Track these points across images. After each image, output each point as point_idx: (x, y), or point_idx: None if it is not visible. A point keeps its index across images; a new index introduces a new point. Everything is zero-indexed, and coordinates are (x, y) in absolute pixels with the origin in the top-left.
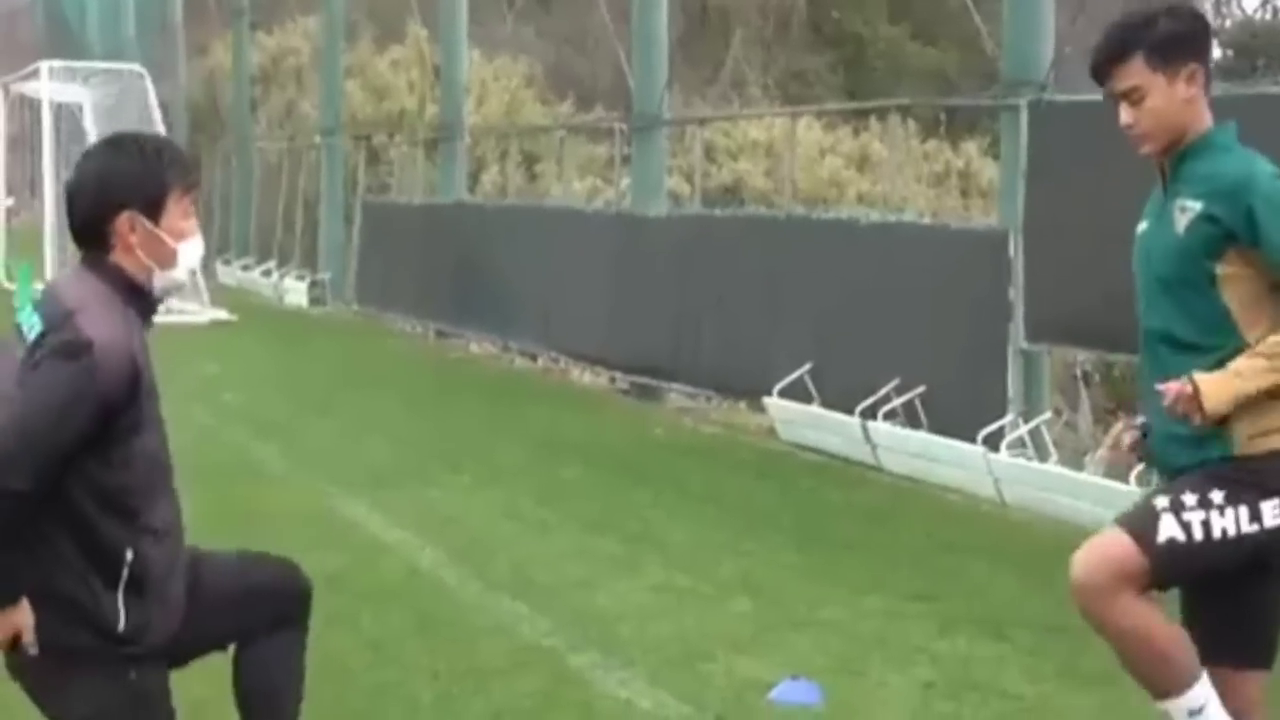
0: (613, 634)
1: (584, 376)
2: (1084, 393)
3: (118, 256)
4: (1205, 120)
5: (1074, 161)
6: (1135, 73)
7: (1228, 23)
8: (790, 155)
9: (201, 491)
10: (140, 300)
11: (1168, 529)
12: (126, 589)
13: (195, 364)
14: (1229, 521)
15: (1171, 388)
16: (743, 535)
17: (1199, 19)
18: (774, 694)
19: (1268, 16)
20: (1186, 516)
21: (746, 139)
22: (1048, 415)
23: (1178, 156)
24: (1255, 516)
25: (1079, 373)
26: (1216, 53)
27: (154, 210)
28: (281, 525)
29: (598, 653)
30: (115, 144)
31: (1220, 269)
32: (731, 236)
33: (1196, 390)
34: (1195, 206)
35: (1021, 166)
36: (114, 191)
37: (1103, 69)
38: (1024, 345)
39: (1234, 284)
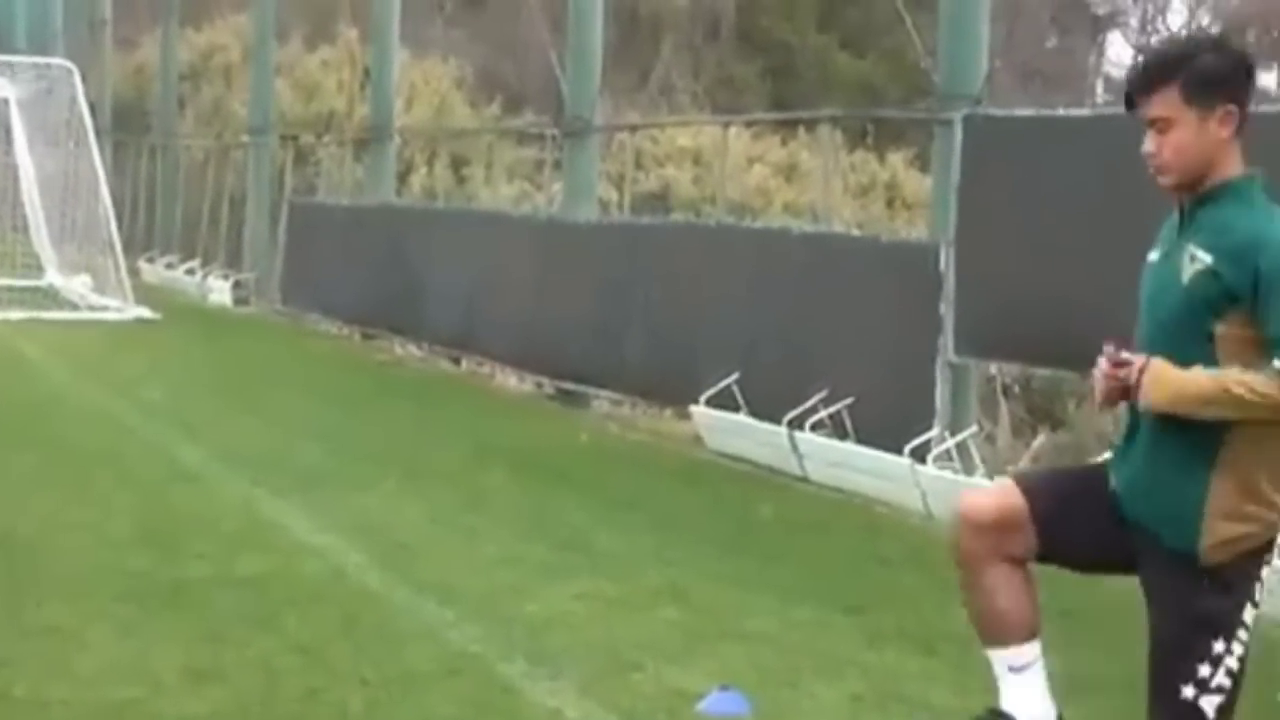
0: (541, 642)
1: (509, 381)
2: (1003, 405)
3: None
4: (1233, 166)
5: (1006, 176)
6: (1168, 103)
7: (1153, 40)
8: (721, 164)
9: (125, 490)
10: None
11: (1210, 705)
12: None
13: (119, 362)
14: (1235, 656)
15: (1132, 364)
16: (670, 544)
17: (1243, 60)
18: (703, 705)
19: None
20: (1215, 683)
21: (674, 146)
22: (974, 429)
23: (1197, 199)
24: (1245, 627)
25: (999, 385)
26: None
27: None
28: (205, 525)
29: (526, 661)
30: None
31: (1219, 327)
32: (661, 244)
33: (1141, 377)
34: (1204, 259)
35: (954, 180)
36: None
37: (1136, 93)
38: (952, 358)
39: (1230, 345)
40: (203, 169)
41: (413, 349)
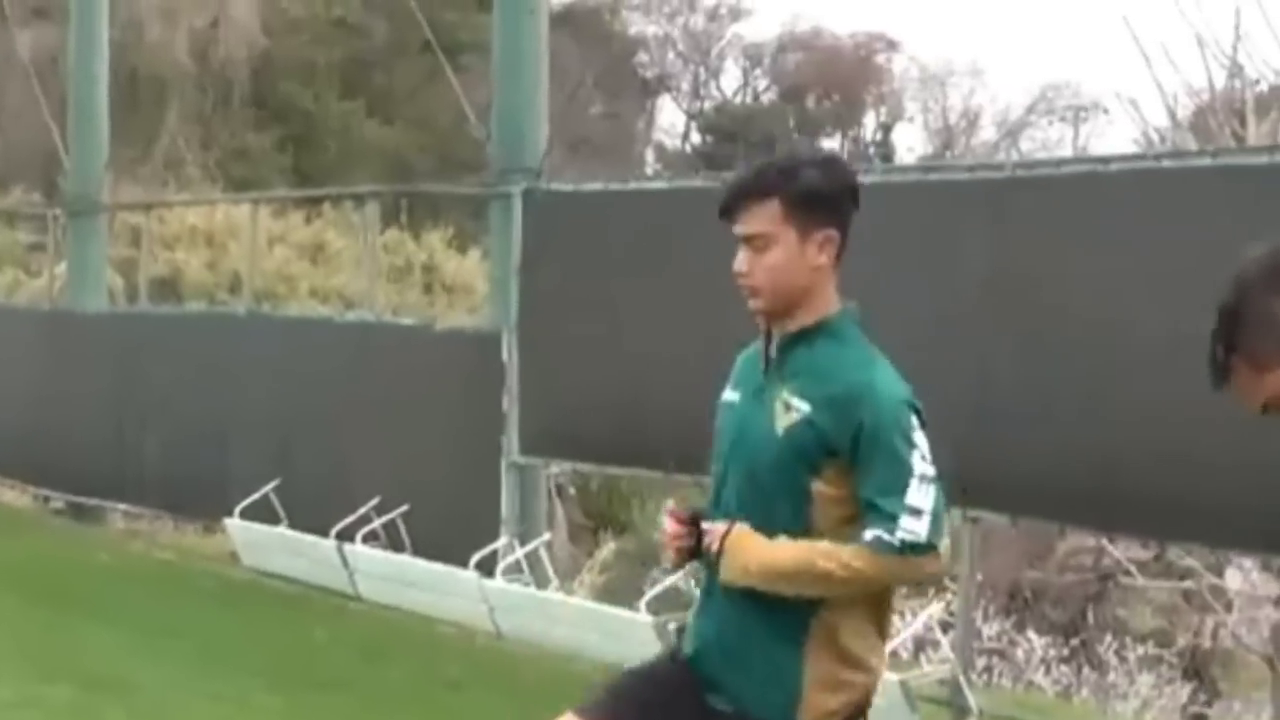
0: None
1: (7, 495)
2: (559, 509)
3: None
4: (829, 300)
5: (571, 256)
6: (767, 218)
7: (707, 104)
8: (252, 245)
9: None
10: None
11: None
12: None
13: None
14: None
15: (710, 532)
16: (215, 676)
17: (851, 183)
18: None
19: (748, 99)
20: None
21: (184, 226)
22: (547, 537)
23: (790, 338)
24: None
25: (552, 486)
26: (696, 138)
27: None
28: None
29: None
30: None
31: (816, 484)
32: (182, 336)
33: (722, 547)
34: (801, 408)
35: (515, 261)
36: None
37: (733, 207)
38: (518, 459)
39: (827, 504)
40: None
41: None
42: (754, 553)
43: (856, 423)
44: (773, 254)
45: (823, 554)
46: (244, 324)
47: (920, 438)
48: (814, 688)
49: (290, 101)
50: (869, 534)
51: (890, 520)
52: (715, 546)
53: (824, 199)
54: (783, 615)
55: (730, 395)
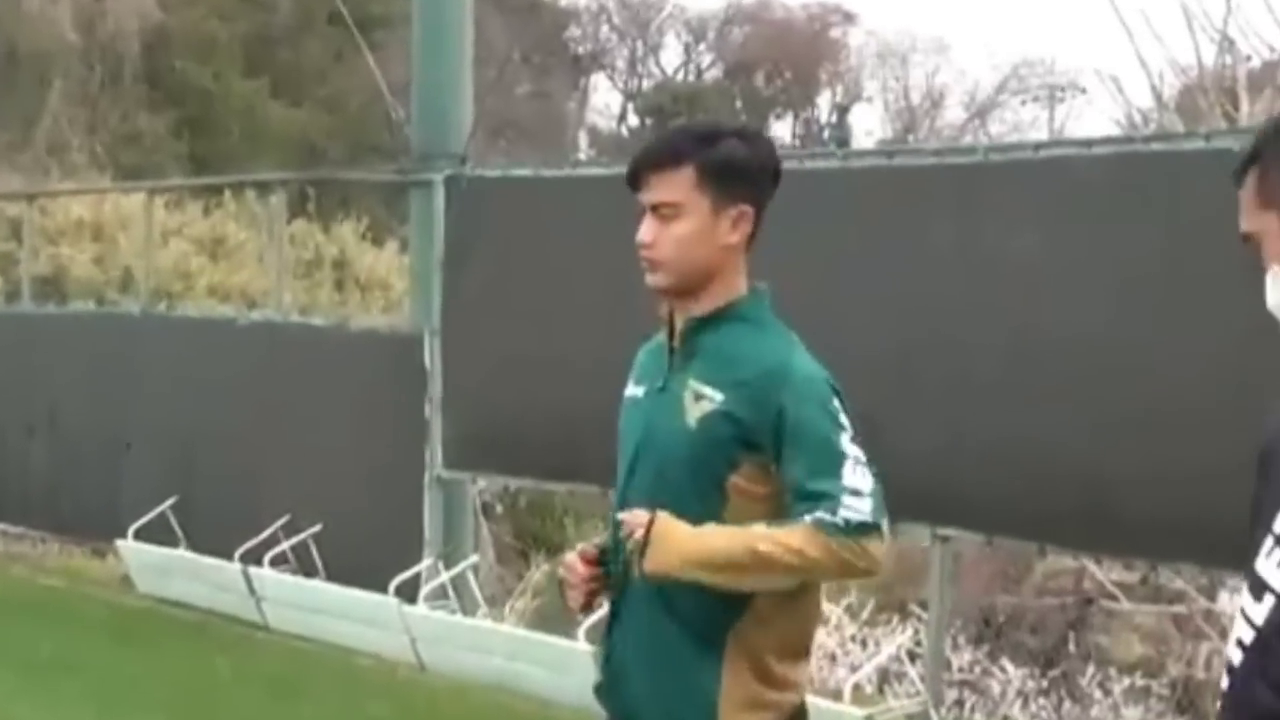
0: None
1: None
2: (485, 528)
3: None
4: (738, 284)
5: (501, 249)
6: (679, 185)
7: (645, 83)
8: (145, 239)
9: None
10: None
11: None
12: None
13: None
14: None
15: (631, 521)
16: (107, 715)
17: (772, 157)
18: None
19: (690, 77)
20: None
21: (69, 218)
22: (474, 559)
23: (695, 323)
24: None
25: (478, 504)
26: (633, 120)
27: None
28: None
29: None
30: None
31: (732, 479)
32: (68, 339)
33: (648, 537)
34: (714, 398)
35: (437, 255)
36: None
37: (643, 172)
38: (443, 473)
39: (742, 501)
40: None
41: None
42: (685, 541)
43: (776, 409)
44: (681, 224)
45: (760, 537)
46: (138, 325)
47: (846, 420)
48: (731, 707)
49: (187, 80)
50: (809, 517)
51: (831, 500)
52: (640, 535)
53: (742, 172)
54: (696, 632)
55: (633, 391)
